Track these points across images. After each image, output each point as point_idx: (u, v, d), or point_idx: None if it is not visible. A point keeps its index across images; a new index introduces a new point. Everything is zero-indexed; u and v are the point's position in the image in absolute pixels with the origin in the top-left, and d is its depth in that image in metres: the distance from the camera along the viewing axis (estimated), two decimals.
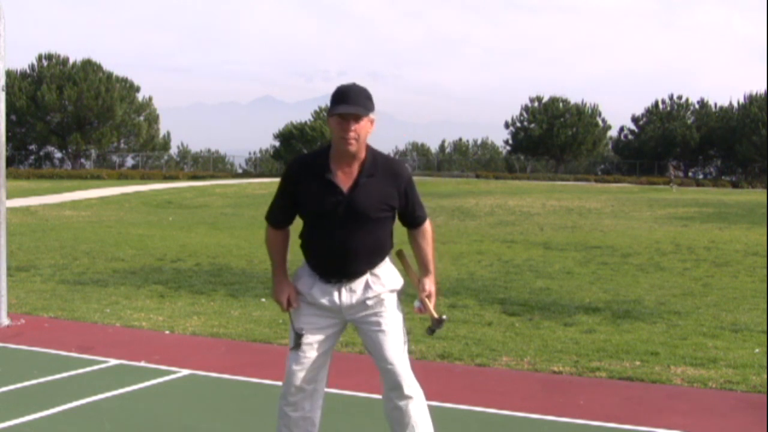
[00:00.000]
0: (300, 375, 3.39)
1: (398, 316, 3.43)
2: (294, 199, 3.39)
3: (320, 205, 3.31)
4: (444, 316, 3.51)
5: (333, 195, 3.30)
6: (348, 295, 3.36)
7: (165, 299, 8.77)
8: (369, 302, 3.37)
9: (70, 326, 7.31)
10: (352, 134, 3.23)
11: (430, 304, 3.43)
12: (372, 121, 3.31)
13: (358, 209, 3.30)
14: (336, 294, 3.37)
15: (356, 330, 3.51)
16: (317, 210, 3.33)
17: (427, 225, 3.53)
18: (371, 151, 3.37)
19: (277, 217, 3.48)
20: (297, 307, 3.43)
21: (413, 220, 3.49)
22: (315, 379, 3.43)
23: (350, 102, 3.24)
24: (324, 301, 3.38)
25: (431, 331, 3.51)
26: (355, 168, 3.32)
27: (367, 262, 3.37)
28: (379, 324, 3.37)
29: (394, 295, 3.45)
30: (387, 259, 3.46)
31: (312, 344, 3.40)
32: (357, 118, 3.24)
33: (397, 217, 3.48)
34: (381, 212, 3.34)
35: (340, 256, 3.33)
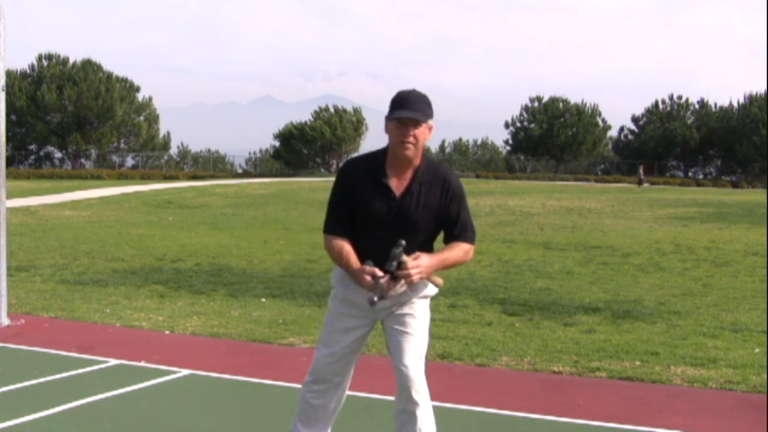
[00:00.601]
0: (326, 368, 3.47)
1: (425, 323, 3.47)
2: (351, 204, 3.33)
3: (372, 209, 3.30)
4: (405, 261, 3.21)
5: (386, 200, 3.30)
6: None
7: (165, 299, 8.77)
8: (401, 306, 3.40)
9: (70, 326, 7.31)
10: (410, 139, 3.23)
11: (411, 261, 3.20)
12: (430, 128, 3.30)
13: (406, 216, 3.29)
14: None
15: (383, 329, 3.53)
16: (369, 214, 3.31)
17: (466, 245, 3.40)
18: (426, 159, 3.36)
19: (338, 226, 3.37)
20: (381, 275, 3.19)
21: (454, 238, 3.40)
22: (340, 374, 3.51)
23: (410, 107, 3.23)
24: (359, 300, 3.39)
25: (388, 270, 3.24)
26: (409, 174, 3.32)
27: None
28: (405, 325, 3.39)
29: (426, 301, 3.49)
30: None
31: (344, 342, 3.45)
32: (416, 124, 3.24)
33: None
34: (428, 220, 3.33)
35: (382, 260, 3.27)
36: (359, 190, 3.32)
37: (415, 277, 3.22)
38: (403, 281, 3.25)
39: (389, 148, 3.32)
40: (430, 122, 3.28)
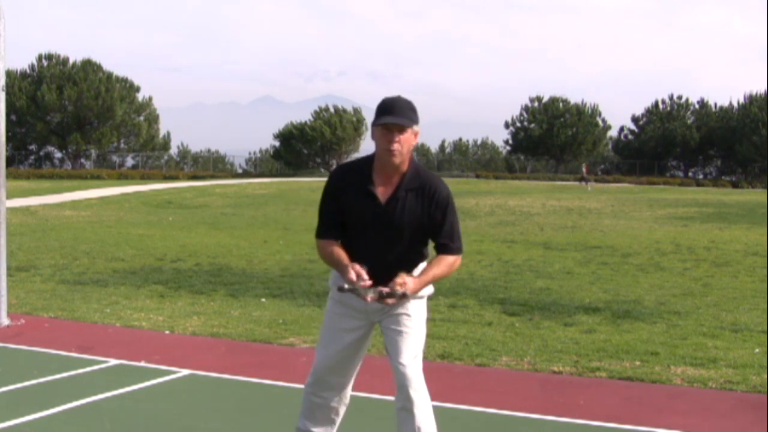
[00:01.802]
0: (325, 369, 3.50)
1: (421, 322, 3.49)
2: (340, 209, 3.39)
3: (359, 216, 3.35)
4: (397, 290, 3.26)
5: (372, 206, 3.33)
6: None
7: (165, 299, 8.77)
8: (397, 306, 3.42)
9: (70, 326, 7.31)
10: (396, 146, 3.25)
11: (398, 287, 3.25)
12: (416, 134, 3.31)
13: (392, 222, 3.33)
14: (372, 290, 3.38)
15: (380, 329, 3.55)
16: (356, 219, 3.37)
17: (451, 258, 3.42)
18: (414, 165, 3.37)
19: (329, 231, 3.43)
20: (365, 280, 3.23)
21: (438, 248, 3.43)
22: (339, 374, 3.54)
23: (395, 113, 3.25)
24: (354, 302, 3.42)
25: (379, 295, 3.28)
26: (396, 180, 3.34)
27: (398, 273, 3.38)
28: (401, 324, 3.42)
29: (422, 302, 3.51)
30: (420, 266, 3.48)
31: (340, 343, 3.48)
32: (401, 130, 3.26)
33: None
34: (415, 227, 3.36)
35: (373, 265, 3.34)
36: (347, 196, 3.37)
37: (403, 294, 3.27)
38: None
39: (376, 155, 3.36)
40: (416, 128, 3.30)
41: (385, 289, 3.25)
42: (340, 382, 3.55)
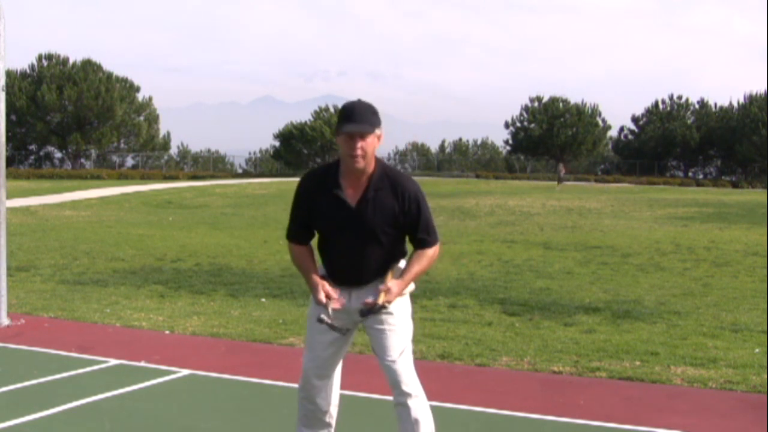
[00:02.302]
0: (311, 371, 3.57)
1: (405, 318, 3.54)
2: (309, 214, 3.48)
3: (330, 220, 3.42)
4: (379, 303, 3.35)
5: (341, 210, 3.39)
6: (357, 299, 3.44)
7: (165, 299, 8.77)
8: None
9: (70, 326, 7.31)
10: (359, 152, 3.30)
11: (381, 297, 3.35)
12: (379, 137, 3.37)
13: (365, 223, 3.37)
14: (347, 297, 3.46)
15: (365, 330, 3.58)
16: (328, 224, 3.44)
17: (430, 250, 3.48)
18: (380, 166, 3.42)
19: (297, 234, 3.56)
20: (337, 299, 3.39)
21: (416, 243, 3.49)
22: (326, 375, 3.60)
23: (356, 120, 3.30)
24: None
25: (362, 312, 3.39)
26: (364, 182, 3.39)
27: (377, 272, 3.47)
28: (384, 323, 3.46)
29: (404, 298, 3.54)
30: (401, 263, 3.53)
31: (323, 343, 3.53)
32: (363, 136, 3.30)
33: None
34: (388, 226, 3.40)
35: (351, 267, 3.44)
36: (316, 201, 3.44)
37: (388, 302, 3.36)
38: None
39: (341, 159, 3.41)
40: (378, 131, 3.34)
41: (369, 300, 3.32)
42: (325, 384, 3.62)
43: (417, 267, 3.45)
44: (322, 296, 3.36)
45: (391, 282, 3.39)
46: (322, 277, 3.48)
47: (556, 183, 44.68)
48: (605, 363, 6.01)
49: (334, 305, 3.36)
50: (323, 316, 3.35)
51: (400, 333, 3.48)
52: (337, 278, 3.49)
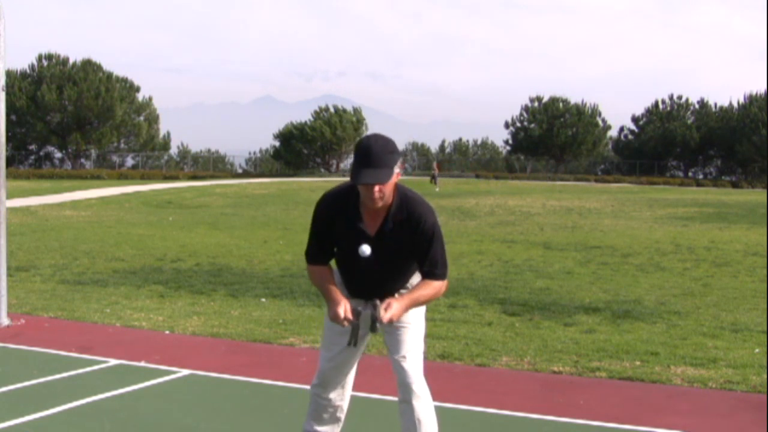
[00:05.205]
0: (329, 371, 3.60)
1: (419, 318, 3.57)
2: (328, 236, 3.46)
3: (349, 244, 3.42)
4: (378, 324, 3.36)
5: (360, 238, 3.38)
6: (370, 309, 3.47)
7: (165, 299, 8.77)
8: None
9: (70, 326, 7.31)
10: (377, 195, 3.26)
11: (382, 311, 3.34)
12: (397, 174, 3.28)
13: (382, 253, 3.38)
14: (363, 303, 3.47)
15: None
16: (347, 248, 3.45)
17: (436, 283, 3.45)
18: (400, 195, 3.38)
19: (317, 256, 3.52)
20: (354, 321, 3.37)
21: (424, 274, 3.47)
22: (343, 373, 3.63)
23: (373, 165, 3.20)
24: (352, 303, 3.45)
25: (372, 328, 3.41)
26: (383, 213, 3.38)
27: (394, 290, 3.50)
28: (401, 322, 3.48)
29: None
30: (414, 279, 3.55)
31: (339, 343, 3.55)
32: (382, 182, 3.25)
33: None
34: (403, 255, 3.43)
35: (367, 286, 3.47)
36: (336, 228, 3.42)
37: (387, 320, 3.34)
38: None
39: (360, 193, 3.34)
40: (396, 169, 3.26)
41: (377, 313, 3.32)
42: (343, 380, 3.65)
43: (422, 291, 3.43)
44: (341, 315, 3.30)
45: (395, 302, 3.35)
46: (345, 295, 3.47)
47: (434, 181, 42.05)
48: (605, 363, 6.01)
49: (347, 321, 3.36)
50: (351, 341, 3.41)
51: (413, 332, 3.51)
52: (352, 293, 3.52)
